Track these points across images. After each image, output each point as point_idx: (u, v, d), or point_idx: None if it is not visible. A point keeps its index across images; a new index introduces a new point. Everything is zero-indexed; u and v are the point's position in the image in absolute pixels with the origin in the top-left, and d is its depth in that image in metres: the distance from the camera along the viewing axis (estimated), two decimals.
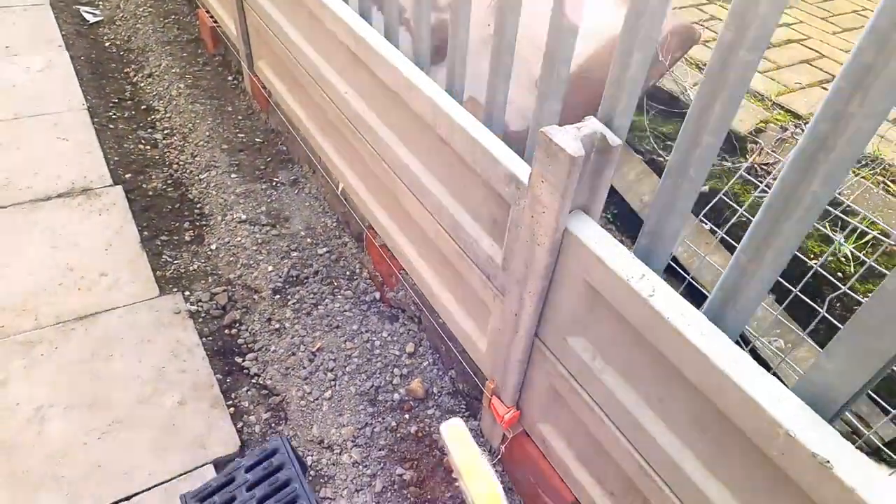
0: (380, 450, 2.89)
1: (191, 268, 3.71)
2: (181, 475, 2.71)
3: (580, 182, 1.79)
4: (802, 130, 3.82)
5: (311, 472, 2.84)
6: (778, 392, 1.45)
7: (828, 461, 1.33)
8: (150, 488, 2.63)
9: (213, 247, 3.86)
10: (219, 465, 2.78)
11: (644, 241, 1.89)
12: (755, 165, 3.58)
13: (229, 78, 5.37)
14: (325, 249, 3.88)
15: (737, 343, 1.60)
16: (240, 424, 2.97)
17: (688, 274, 2.89)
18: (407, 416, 3.03)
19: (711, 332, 1.58)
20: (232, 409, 3.02)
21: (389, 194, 3.16)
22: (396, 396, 3.11)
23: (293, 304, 3.52)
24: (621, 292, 1.75)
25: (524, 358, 2.38)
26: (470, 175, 2.33)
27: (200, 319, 3.41)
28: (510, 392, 2.54)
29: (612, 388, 1.99)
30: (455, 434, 1.41)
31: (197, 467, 2.74)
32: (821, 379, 1.44)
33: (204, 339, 3.31)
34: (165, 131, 4.78)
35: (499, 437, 2.81)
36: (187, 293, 3.53)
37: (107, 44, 5.70)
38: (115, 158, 4.41)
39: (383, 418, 3.02)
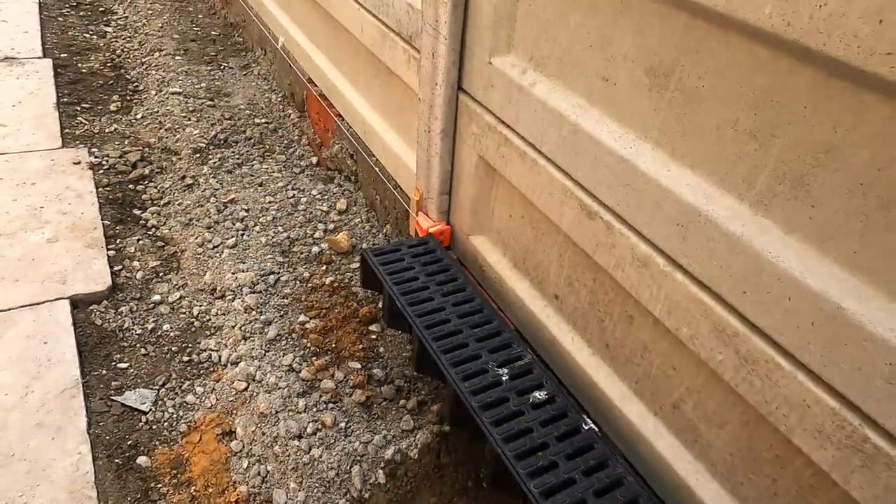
0: (283, 297, 2.30)
1: (107, 130, 3.22)
2: (23, 306, 2.15)
3: None
4: None
5: (196, 324, 2.26)
6: None
7: None
8: None
9: (139, 116, 3.37)
10: (77, 303, 2.22)
11: None
12: None
13: None
14: (263, 120, 3.36)
15: None
16: (118, 268, 2.40)
17: None
18: (325, 267, 2.44)
19: None
20: (113, 252, 2.46)
21: (322, 15, 2.67)
22: (315, 249, 2.53)
23: (213, 162, 2.99)
24: None
25: (448, 127, 1.81)
26: None
27: (102, 171, 2.89)
28: (436, 194, 1.96)
29: (545, 98, 1.40)
30: None
31: (47, 300, 2.18)
32: None
33: (101, 188, 2.79)
34: (118, 27, 4.38)
35: None
36: (94, 149, 3.03)
37: None
38: (54, 41, 4.01)
39: (294, 268, 2.43)
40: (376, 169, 2.51)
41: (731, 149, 1.03)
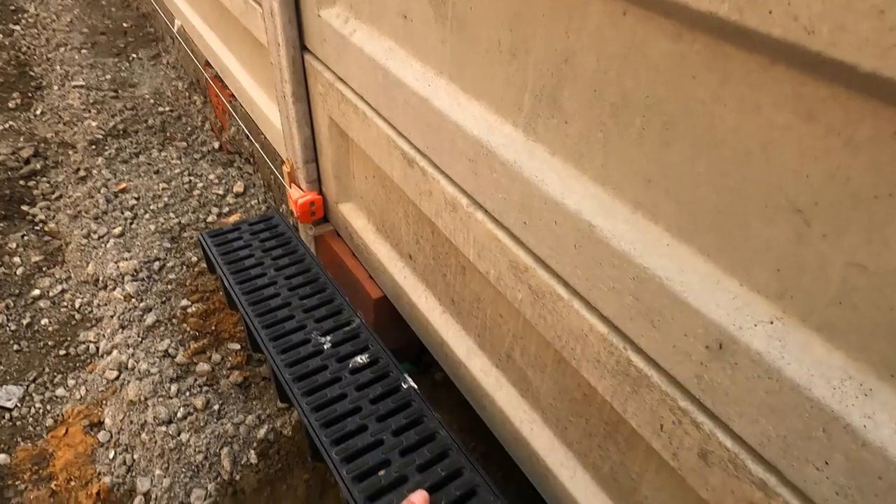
0: (167, 283, 2.22)
1: (1, 127, 3.10)
2: None
3: None
4: None
5: (77, 316, 2.17)
6: None
7: None
8: None
9: (39, 111, 3.25)
10: None
11: None
12: None
13: None
14: (168, 108, 3.26)
15: None
16: None
17: None
18: None
19: None
20: None
21: None
22: None
23: (109, 153, 2.89)
24: None
25: (299, 89, 1.73)
26: None
27: None
28: (302, 163, 1.88)
29: (362, 46, 1.34)
30: None
31: None
32: None
33: None
34: (27, 25, 4.23)
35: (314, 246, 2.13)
36: None
37: None
38: None
39: (182, 254, 2.35)
40: (266, 147, 2.44)
41: (500, 72, 0.97)
